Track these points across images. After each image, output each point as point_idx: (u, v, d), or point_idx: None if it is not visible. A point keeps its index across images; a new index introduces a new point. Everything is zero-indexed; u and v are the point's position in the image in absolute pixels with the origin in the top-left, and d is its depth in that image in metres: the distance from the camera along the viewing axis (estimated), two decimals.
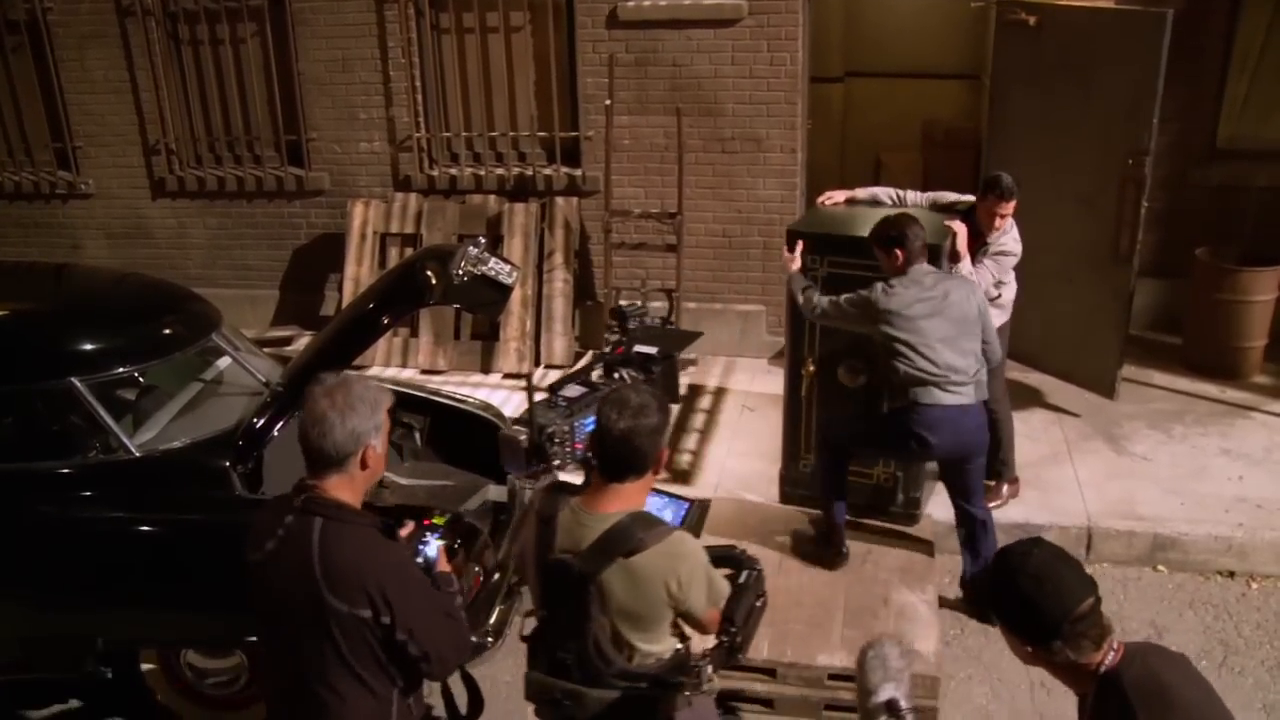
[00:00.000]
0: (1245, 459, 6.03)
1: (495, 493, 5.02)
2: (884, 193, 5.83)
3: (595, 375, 4.61)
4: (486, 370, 7.61)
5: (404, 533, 3.20)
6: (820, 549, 5.17)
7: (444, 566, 3.22)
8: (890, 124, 9.76)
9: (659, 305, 7.53)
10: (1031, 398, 6.78)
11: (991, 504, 5.40)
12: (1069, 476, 5.92)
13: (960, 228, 5.12)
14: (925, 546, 5.26)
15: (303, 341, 7.87)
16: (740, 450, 6.38)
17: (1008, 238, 5.42)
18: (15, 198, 8.77)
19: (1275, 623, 5.04)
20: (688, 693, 3.08)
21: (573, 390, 4.07)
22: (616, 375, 4.44)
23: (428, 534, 3.32)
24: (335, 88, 7.92)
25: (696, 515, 3.25)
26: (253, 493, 4.41)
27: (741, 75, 7.22)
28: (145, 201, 8.58)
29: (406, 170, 7.98)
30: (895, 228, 4.72)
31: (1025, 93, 6.62)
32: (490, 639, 4.35)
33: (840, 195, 5.84)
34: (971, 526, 4.92)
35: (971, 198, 5.56)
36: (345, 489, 2.86)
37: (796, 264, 5.15)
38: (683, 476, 6.14)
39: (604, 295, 7.64)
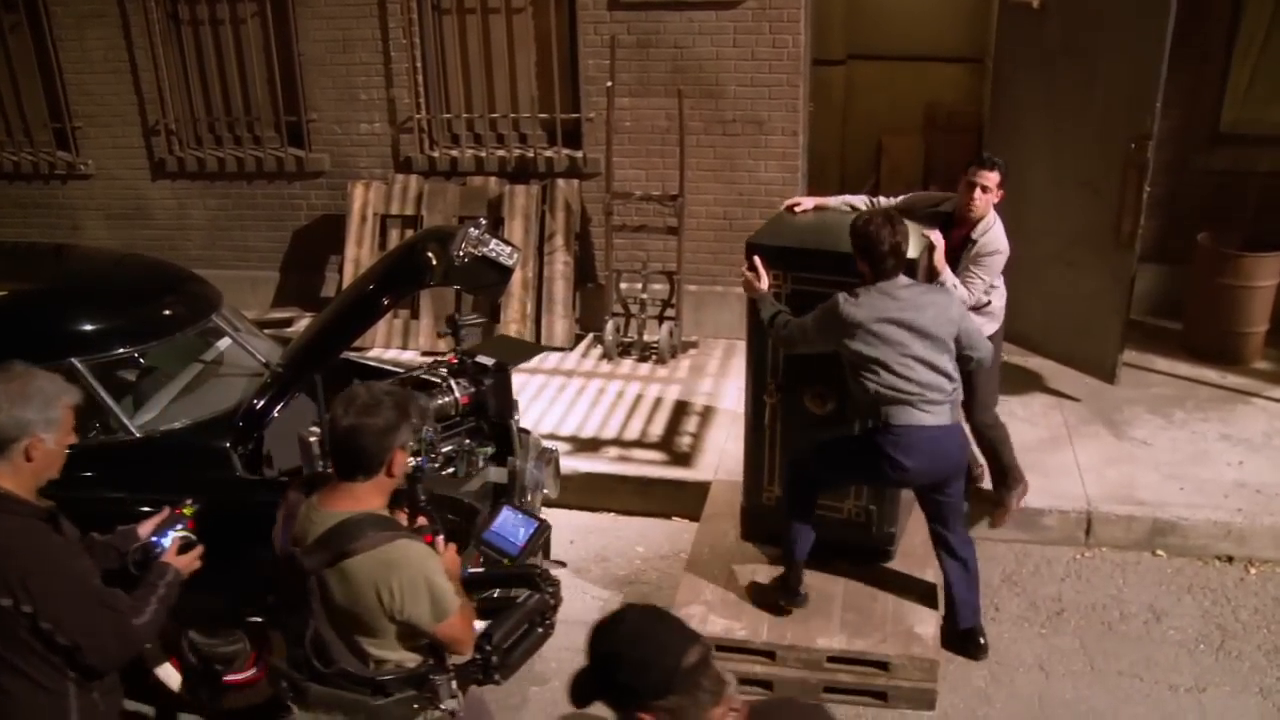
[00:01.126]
0: (1245, 444, 6.03)
1: (495, 474, 5.02)
2: (859, 200, 5.25)
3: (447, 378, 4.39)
4: None
5: (153, 521, 3.27)
6: (776, 590, 4.78)
7: (170, 557, 3.23)
8: (892, 107, 9.74)
9: (660, 288, 7.53)
10: (1032, 382, 6.78)
11: (1006, 515, 5.46)
12: (1069, 461, 5.92)
13: (939, 240, 4.74)
14: (924, 531, 5.24)
15: (303, 323, 7.87)
16: (740, 434, 6.36)
17: (992, 234, 4.98)
18: (14, 178, 8.75)
19: (1273, 608, 5.05)
20: (416, 706, 3.05)
21: None
22: (447, 384, 4.25)
23: (176, 523, 3.32)
24: (336, 68, 7.89)
25: (539, 537, 3.21)
26: (253, 473, 4.42)
27: (743, 57, 7.20)
28: (145, 182, 8.56)
29: (407, 152, 7.96)
30: (863, 230, 4.26)
31: (1028, 76, 6.59)
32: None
33: (809, 202, 5.32)
34: (951, 552, 4.60)
35: (953, 195, 5.17)
36: (7, 477, 2.88)
37: (764, 283, 4.65)
38: (682, 459, 6.15)
39: (605, 278, 7.63)
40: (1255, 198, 7.22)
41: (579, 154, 7.67)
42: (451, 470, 3.63)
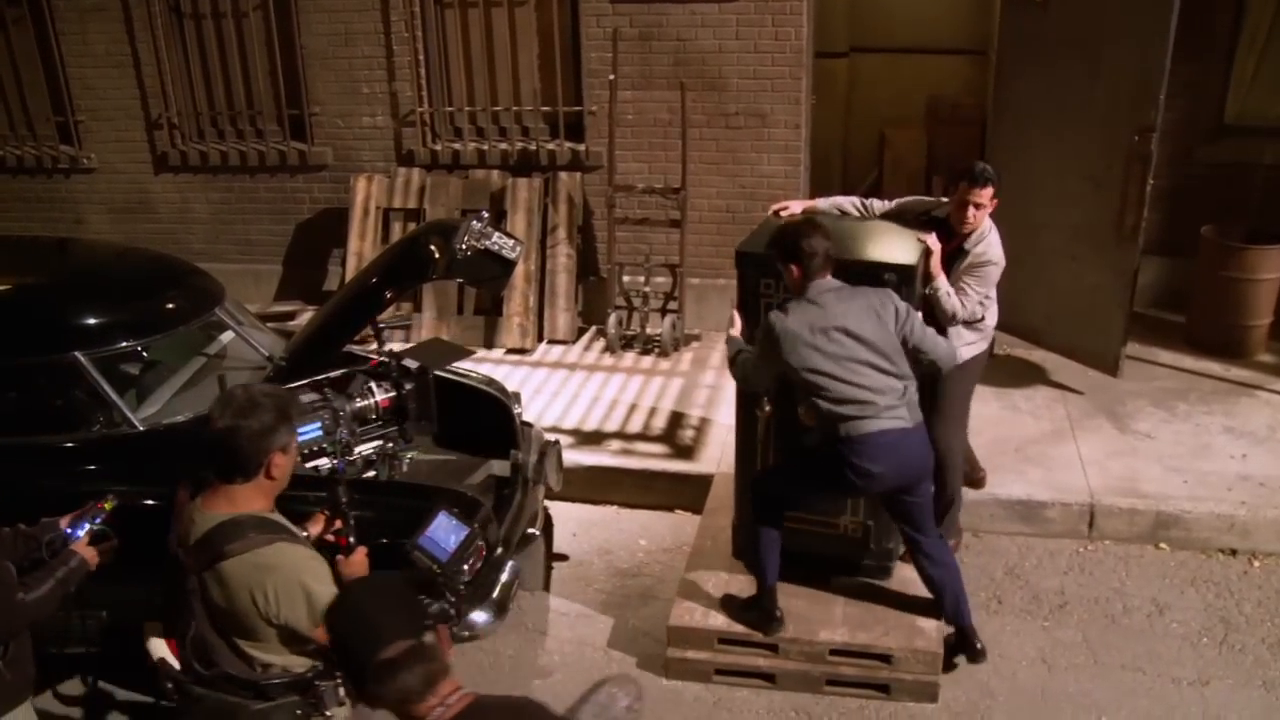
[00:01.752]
0: (1249, 437, 6.03)
1: (499, 467, 5.03)
2: (848, 202, 5.08)
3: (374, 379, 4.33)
4: (489, 345, 7.61)
5: (75, 513, 3.31)
6: (753, 615, 4.62)
7: (80, 546, 3.26)
8: (895, 100, 9.72)
9: (662, 281, 7.53)
10: (1035, 375, 6.78)
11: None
12: (1072, 453, 5.92)
13: (935, 244, 4.60)
14: None
15: (305, 316, 7.87)
16: None
17: (987, 244, 4.74)
18: (17, 172, 8.75)
19: (1276, 601, 5.04)
20: (300, 712, 3.04)
21: (307, 395, 3.87)
22: (367, 387, 4.20)
23: (95, 516, 3.34)
24: (338, 62, 7.89)
25: (469, 544, 3.19)
26: None
27: (746, 50, 7.19)
28: (148, 176, 8.56)
29: (409, 145, 7.95)
30: (790, 236, 4.17)
31: (1031, 68, 6.57)
32: (493, 613, 4.36)
33: (797, 205, 5.14)
34: (928, 555, 4.42)
35: (946, 199, 4.94)
36: None
37: (736, 328, 4.51)
38: (685, 453, 6.15)
39: (607, 271, 7.62)
40: (1259, 190, 7.20)
41: (581, 147, 7.66)
42: (373, 473, 3.60)
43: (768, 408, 4.66)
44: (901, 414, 4.12)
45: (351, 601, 2.42)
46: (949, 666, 4.57)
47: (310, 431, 3.43)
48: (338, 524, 3.46)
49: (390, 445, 3.60)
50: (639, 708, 3.89)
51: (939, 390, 4.75)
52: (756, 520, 4.49)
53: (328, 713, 3.04)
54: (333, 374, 3.94)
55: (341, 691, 3.02)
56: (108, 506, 3.37)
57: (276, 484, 3.09)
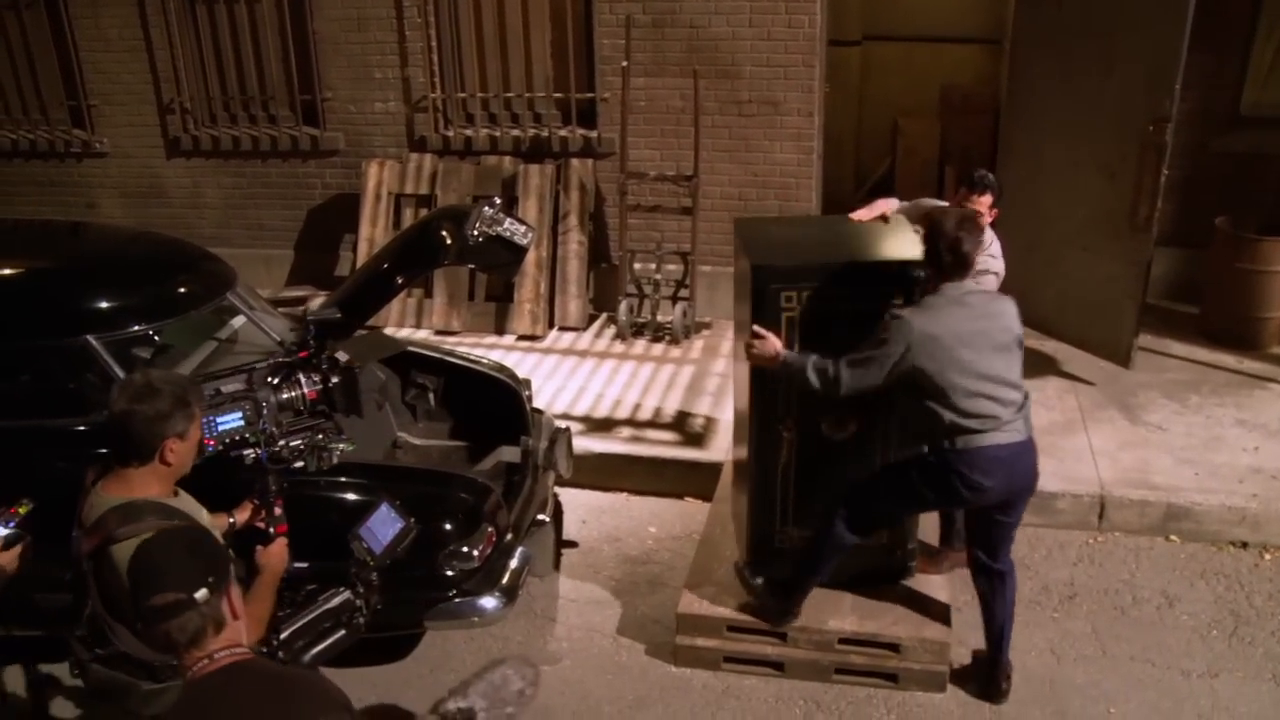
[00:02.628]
0: (1261, 430, 6.00)
1: (508, 454, 5.03)
2: (926, 204, 4.87)
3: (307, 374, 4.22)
4: (500, 331, 7.62)
5: None
6: (774, 604, 4.53)
7: None
8: (908, 89, 9.68)
9: (674, 268, 7.52)
10: (1046, 365, 6.76)
11: (929, 572, 4.78)
12: (1083, 445, 5.90)
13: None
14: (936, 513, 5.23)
15: (317, 302, 7.87)
16: None
17: (986, 254, 4.57)
18: (31, 156, 8.78)
19: None
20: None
21: (231, 385, 3.87)
22: (295, 378, 4.15)
23: (9, 521, 3.35)
24: (350, 47, 7.88)
25: (403, 538, 3.18)
26: None
27: (759, 38, 7.16)
28: (160, 160, 8.57)
29: (422, 131, 7.95)
30: (951, 231, 3.90)
31: (1046, 57, 6.54)
32: (502, 599, 4.37)
33: (884, 206, 4.84)
34: (999, 578, 4.28)
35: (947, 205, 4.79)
36: None
37: (775, 343, 4.15)
38: (695, 440, 6.15)
39: (619, 258, 7.62)
40: (1275, 181, 7.17)
41: (594, 134, 7.65)
42: (301, 464, 3.61)
43: (790, 430, 4.44)
44: (1019, 427, 3.99)
45: (146, 545, 2.51)
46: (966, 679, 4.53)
47: (231, 421, 3.44)
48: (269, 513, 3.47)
49: (320, 437, 3.60)
50: (532, 693, 3.90)
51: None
52: (845, 525, 4.24)
53: None
54: (258, 364, 3.93)
55: None
56: (21, 510, 3.36)
57: (174, 470, 3.13)
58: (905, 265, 4.26)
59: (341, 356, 3.95)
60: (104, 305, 4.61)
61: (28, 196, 8.85)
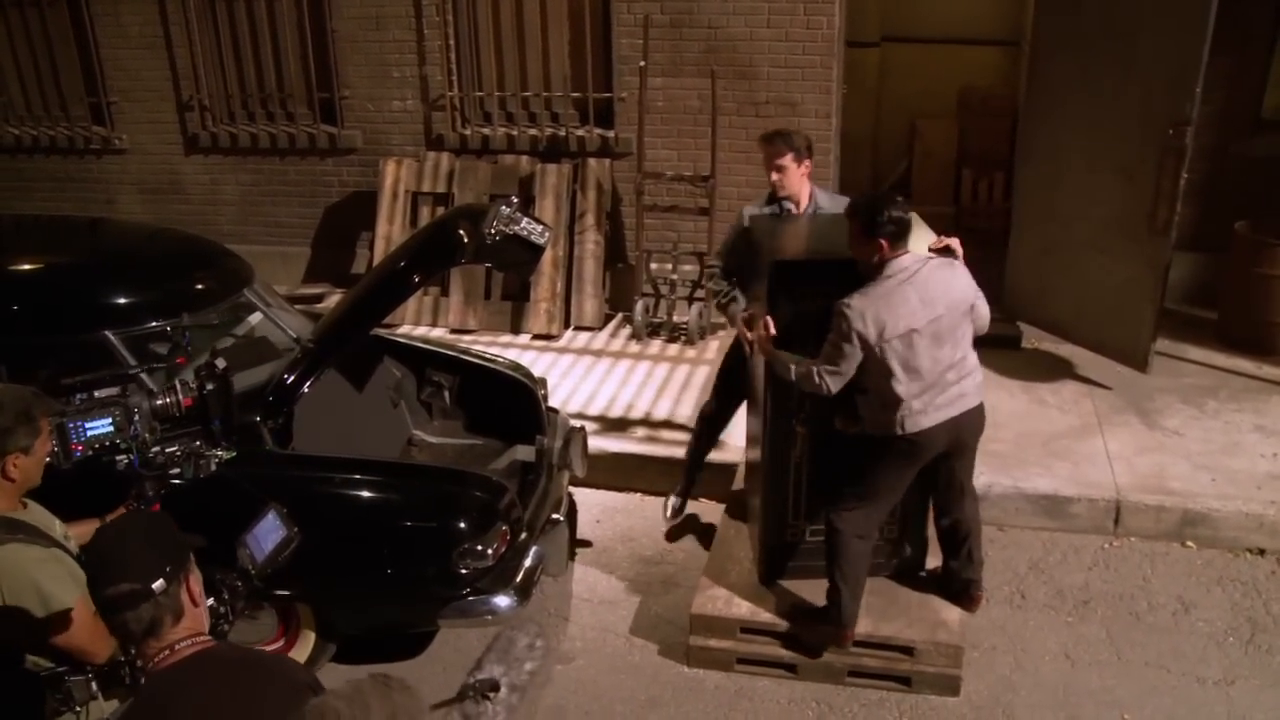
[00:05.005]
0: (1279, 436, 5.97)
1: (523, 452, 5.04)
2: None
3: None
4: (516, 331, 7.63)
5: None
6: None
7: None
8: (926, 90, 9.64)
9: (690, 269, 7.51)
10: (1062, 369, 6.73)
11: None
12: (1099, 449, 5.88)
13: (957, 246, 4.24)
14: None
15: (334, 299, 7.90)
16: None
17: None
18: (51, 152, 8.83)
19: None
20: (62, 708, 3.02)
21: (104, 391, 3.90)
22: (171, 385, 4.09)
23: None
24: (369, 45, 7.90)
25: (284, 549, 3.19)
26: (283, 448, 4.45)
27: (777, 38, 7.15)
28: (179, 157, 8.61)
29: (439, 129, 7.96)
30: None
31: (1065, 60, 6.52)
32: (516, 598, 4.38)
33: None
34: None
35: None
36: None
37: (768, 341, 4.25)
38: None
39: (635, 258, 7.62)
40: None
41: (611, 133, 7.65)
42: (177, 471, 3.62)
43: (806, 423, 4.48)
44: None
45: (102, 535, 2.51)
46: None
47: (100, 426, 3.44)
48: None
49: (198, 444, 3.61)
50: (541, 644, 3.91)
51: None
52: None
53: (77, 708, 3.03)
54: (132, 370, 3.94)
55: (94, 686, 3.03)
56: None
57: (18, 485, 3.11)
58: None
59: (219, 364, 3.95)
60: (122, 301, 4.64)
61: (47, 192, 8.90)
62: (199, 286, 4.89)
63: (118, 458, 3.49)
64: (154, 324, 4.56)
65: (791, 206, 5.06)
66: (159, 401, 3.67)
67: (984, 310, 4.26)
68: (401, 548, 4.32)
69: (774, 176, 4.99)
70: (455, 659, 4.75)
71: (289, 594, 4.39)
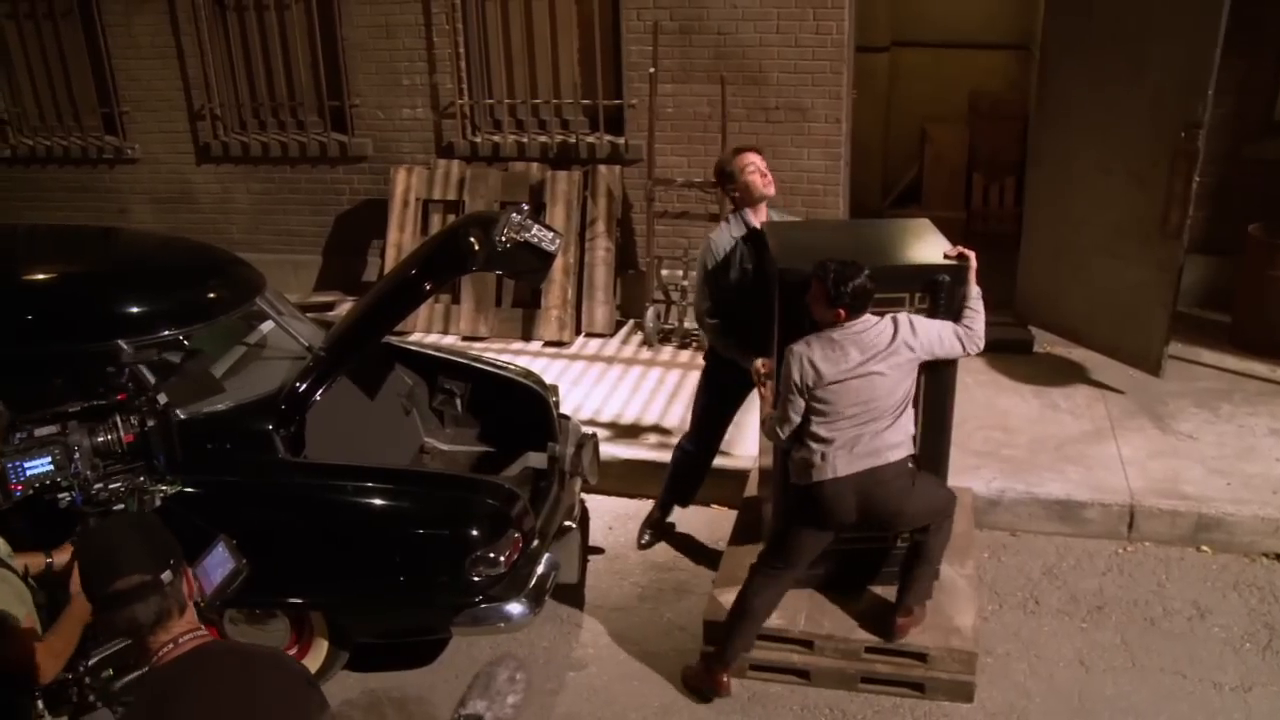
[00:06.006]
0: None
1: (535, 459, 5.04)
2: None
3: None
4: (527, 338, 7.63)
5: None
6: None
7: None
8: (936, 95, 9.63)
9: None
10: (1075, 373, 6.71)
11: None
12: (1112, 453, 5.85)
13: (972, 257, 4.27)
14: (965, 521, 5.21)
15: (345, 307, 7.92)
16: None
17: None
18: (64, 162, 8.88)
19: None
20: None
21: (43, 430, 3.78)
22: (113, 421, 3.99)
23: None
24: (379, 53, 7.93)
25: (233, 580, 3.20)
26: (296, 456, 4.45)
27: (786, 44, 7.15)
28: (190, 166, 8.65)
29: (449, 137, 7.98)
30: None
31: (1076, 63, 6.50)
32: (529, 605, 4.38)
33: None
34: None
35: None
36: None
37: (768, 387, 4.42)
38: (723, 445, 6.11)
39: (646, 264, 7.62)
40: None
41: (621, 140, 7.66)
42: (121, 506, 3.62)
43: None
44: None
45: (97, 532, 2.54)
46: None
47: (39, 466, 3.44)
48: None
49: (142, 479, 3.60)
50: (521, 677, 3.94)
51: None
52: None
53: None
54: (72, 408, 3.95)
55: (40, 705, 3.03)
56: None
57: None
58: (930, 270, 4.28)
59: (161, 399, 3.95)
60: (134, 310, 4.64)
61: (60, 202, 8.94)
62: (211, 295, 4.90)
63: (59, 495, 3.50)
64: (166, 333, 4.58)
65: (750, 216, 5.01)
66: (100, 439, 3.67)
67: (951, 348, 4.22)
68: (414, 555, 4.31)
69: (761, 181, 4.96)
70: (467, 667, 4.75)
71: (302, 602, 4.39)
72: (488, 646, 4.85)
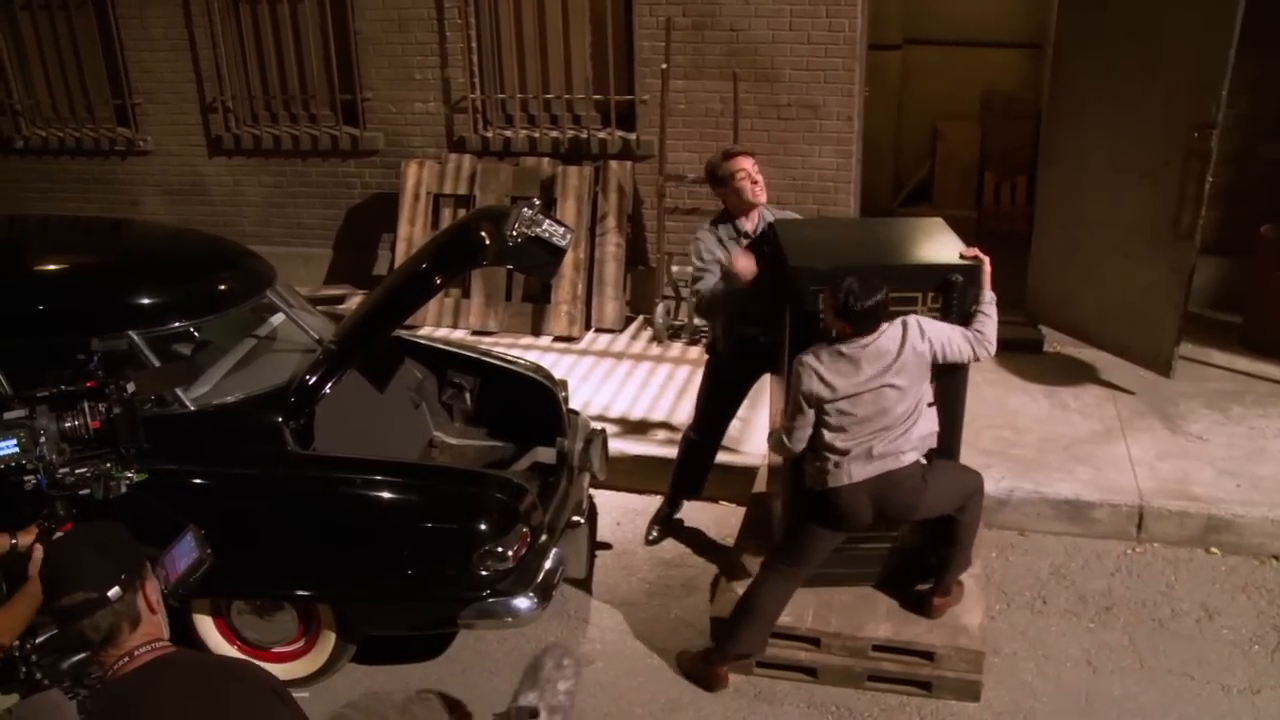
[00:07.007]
0: None
1: (544, 454, 5.04)
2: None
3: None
4: (537, 333, 7.63)
5: None
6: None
7: None
8: (948, 93, 9.61)
9: None
10: (1085, 373, 6.70)
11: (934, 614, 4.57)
12: (1121, 454, 5.84)
13: (986, 260, 4.28)
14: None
15: (355, 300, 7.93)
16: None
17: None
18: (76, 154, 8.91)
19: None
20: None
21: (11, 414, 3.80)
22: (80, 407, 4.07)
23: None
24: (391, 47, 7.93)
25: (195, 570, 3.19)
26: (305, 448, 4.46)
27: (799, 41, 7.14)
28: (202, 159, 8.67)
29: (461, 131, 7.98)
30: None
31: (1089, 62, 6.47)
32: (536, 599, 4.38)
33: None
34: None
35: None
36: None
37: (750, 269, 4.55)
38: (730, 443, 6.11)
39: (656, 260, 7.62)
40: None
41: (632, 136, 7.66)
42: (87, 491, 3.65)
43: None
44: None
45: (57, 545, 2.62)
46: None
47: (4, 448, 3.48)
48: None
49: (108, 465, 3.64)
50: (568, 661, 3.95)
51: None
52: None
53: None
54: (41, 393, 3.98)
55: None
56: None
57: None
58: (944, 269, 4.26)
59: (129, 388, 3.98)
60: (145, 302, 4.66)
61: (72, 194, 8.97)
62: (222, 287, 4.91)
63: (25, 478, 3.53)
64: (177, 324, 4.59)
65: (742, 223, 5.00)
66: (67, 424, 3.70)
67: (960, 352, 4.20)
68: (422, 549, 4.32)
69: (752, 189, 4.92)
70: (475, 660, 4.76)
71: (309, 594, 4.40)
72: (494, 640, 4.86)
